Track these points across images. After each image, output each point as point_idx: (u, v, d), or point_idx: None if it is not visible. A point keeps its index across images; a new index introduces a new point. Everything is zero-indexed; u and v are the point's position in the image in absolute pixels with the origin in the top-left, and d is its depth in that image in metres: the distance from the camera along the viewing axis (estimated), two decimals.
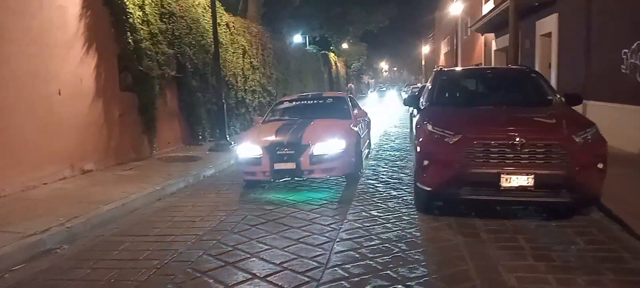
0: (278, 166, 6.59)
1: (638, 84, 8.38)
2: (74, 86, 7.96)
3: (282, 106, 8.88)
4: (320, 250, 4.43)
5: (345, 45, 39.48)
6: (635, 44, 8.48)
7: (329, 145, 6.70)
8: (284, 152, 6.62)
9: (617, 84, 9.13)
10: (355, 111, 8.46)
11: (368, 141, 9.75)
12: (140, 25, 9.34)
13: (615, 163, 6.28)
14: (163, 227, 5.40)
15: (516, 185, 4.84)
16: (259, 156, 6.72)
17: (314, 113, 8.06)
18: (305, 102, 8.80)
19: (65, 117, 7.73)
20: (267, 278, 3.84)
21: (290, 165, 6.55)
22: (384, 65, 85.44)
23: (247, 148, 6.92)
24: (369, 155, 9.77)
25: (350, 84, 47.26)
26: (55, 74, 7.56)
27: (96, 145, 8.44)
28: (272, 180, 6.81)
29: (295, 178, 6.85)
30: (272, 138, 6.88)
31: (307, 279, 3.79)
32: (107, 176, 7.85)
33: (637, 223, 4.58)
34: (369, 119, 9.99)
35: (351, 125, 7.57)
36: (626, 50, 8.80)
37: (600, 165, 4.86)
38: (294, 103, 8.90)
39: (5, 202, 6.21)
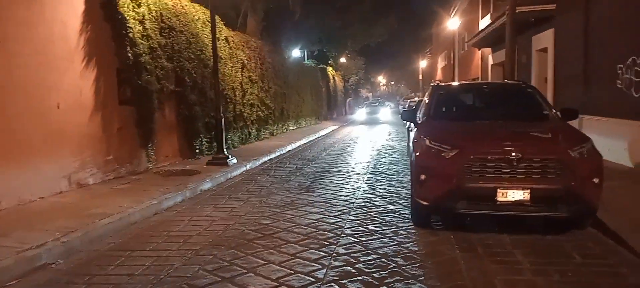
0: None
1: (633, 98, 8.45)
2: (74, 98, 7.98)
3: None
4: (317, 265, 4.43)
5: (343, 60, 39.67)
6: (630, 60, 8.56)
7: None
8: None
9: (613, 99, 9.20)
10: None
11: None
12: (140, 40, 9.39)
13: (611, 177, 6.32)
14: (159, 241, 5.38)
15: (512, 199, 4.86)
16: None
17: None
18: None
19: (64, 129, 7.74)
20: None
21: None
22: (381, 78, 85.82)
23: None
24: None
25: (348, 99, 47.48)
26: (55, 86, 7.59)
27: (94, 158, 8.43)
28: None
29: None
30: None
31: None
32: (104, 190, 7.84)
33: (634, 238, 4.59)
34: None
35: None
36: (621, 66, 8.89)
37: (596, 180, 4.89)
38: None
39: (2, 215, 6.19)
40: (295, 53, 26.91)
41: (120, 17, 8.90)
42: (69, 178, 7.84)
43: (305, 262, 4.52)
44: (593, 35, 10.31)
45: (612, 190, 6.05)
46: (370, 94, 75.08)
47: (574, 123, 6.88)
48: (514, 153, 4.86)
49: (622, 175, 7.75)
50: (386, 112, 34.81)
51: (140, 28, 9.46)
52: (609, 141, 9.00)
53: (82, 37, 8.19)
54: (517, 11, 11.55)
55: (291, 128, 22.15)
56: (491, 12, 18.51)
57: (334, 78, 37.97)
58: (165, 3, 10.62)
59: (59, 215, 6.12)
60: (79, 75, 8.13)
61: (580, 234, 5.11)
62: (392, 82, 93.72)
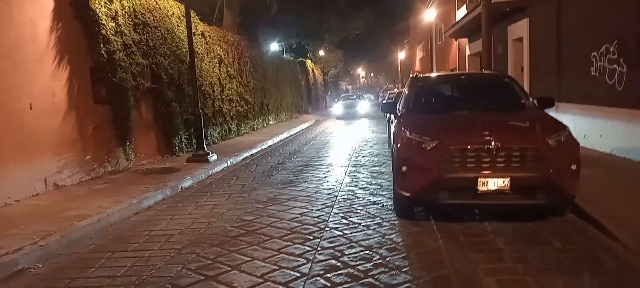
0: None
1: (608, 86, 8.63)
2: (47, 100, 7.77)
3: None
4: (302, 260, 4.41)
5: (322, 53, 39.62)
6: (603, 47, 8.73)
7: None
8: None
9: (588, 87, 9.38)
10: None
11: None
12: (113, 37, 9.19)
13: (587, 164, 6.45)
14: (141, 241, 5.29)
15: (493, 188, 4.91)
16: None
17: None
18: None
19: (37, 132, 7.54)
20: None
21: None
22: (361, 71, 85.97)
23: None
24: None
25: (328, 92, 47.50)
26: (27, 88, 7.38)
27: (70, 159, 8.24)
28: None
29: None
30: None
31: None
32: (82, 191, 7.67)
33: (611, 224, 4.69)
34: None
35: None
36: (595, 54, 9.06)
37: (573, 167, 4.98)
38: None
39: None
40: (274, 47, 26.78)
41: (91, 14, 8.69)
42: (45, 180, 7.66)
43: (290, 257, 4.50)
44: (567, 23, 10.48)
45: (589, 177, 6.17)
46: (350, 86, 74.79)
47: (551, 111, 6.99)
48: (493, 143, 4.91)
49: (599, 162, 7.92)
50: (365, 105, 32.09)
51: (113, 24, 9.26)
52: (585, 128, 9.20)
53: (52, 37, 7.98)
54: (492, 1, 11.65)
55: (271, 122, 22.05)
56: (467, 2, 18.66)
57: (313, 71, 37.90)
58: None
59: (35, 218, 5.97)
60: (51, 75, 7.92)
61: (560, 221, 5.20)
62: (372, 74, 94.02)
